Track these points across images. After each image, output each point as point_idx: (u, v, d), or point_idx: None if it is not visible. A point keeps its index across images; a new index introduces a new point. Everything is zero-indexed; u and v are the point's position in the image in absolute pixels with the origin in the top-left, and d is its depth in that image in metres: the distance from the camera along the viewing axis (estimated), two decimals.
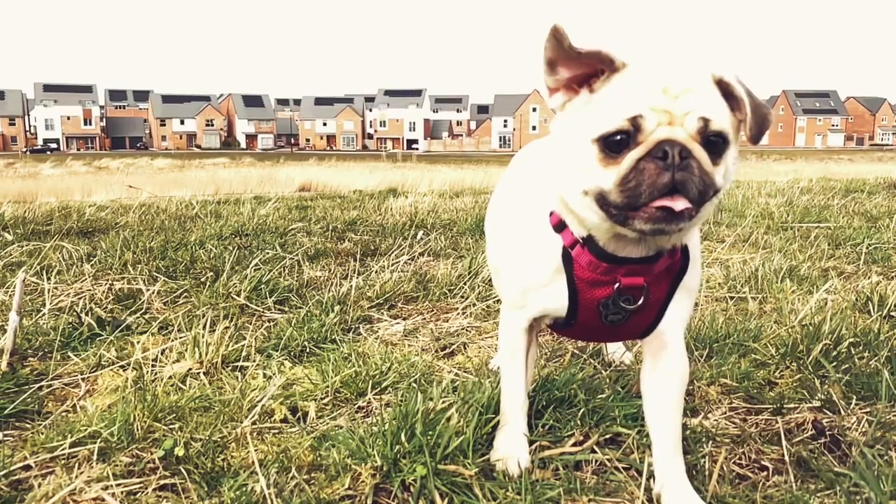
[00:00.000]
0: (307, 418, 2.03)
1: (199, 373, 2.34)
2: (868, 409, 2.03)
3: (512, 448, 1.73)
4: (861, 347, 2.41)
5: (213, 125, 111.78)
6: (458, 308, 3.15)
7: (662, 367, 1.62)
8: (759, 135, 1.35)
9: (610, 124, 1.31)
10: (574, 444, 1.81)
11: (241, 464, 1.75)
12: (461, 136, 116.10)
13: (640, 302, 1.53)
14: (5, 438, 1.89)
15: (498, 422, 1.81)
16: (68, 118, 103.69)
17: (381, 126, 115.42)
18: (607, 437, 1.86)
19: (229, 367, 2.41)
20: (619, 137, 1.31)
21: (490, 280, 3.31)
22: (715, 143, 1.32)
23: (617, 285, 1.51)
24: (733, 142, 1.37)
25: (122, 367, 2.40)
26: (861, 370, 2.26)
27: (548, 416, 1.93)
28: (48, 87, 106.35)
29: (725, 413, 2.05)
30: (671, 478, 1.58)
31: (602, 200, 1.35)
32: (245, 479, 1.65)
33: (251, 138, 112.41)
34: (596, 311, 1.56)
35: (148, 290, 3.17)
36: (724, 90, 1.37)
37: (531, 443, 1.79)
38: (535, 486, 1.61)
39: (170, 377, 2.28)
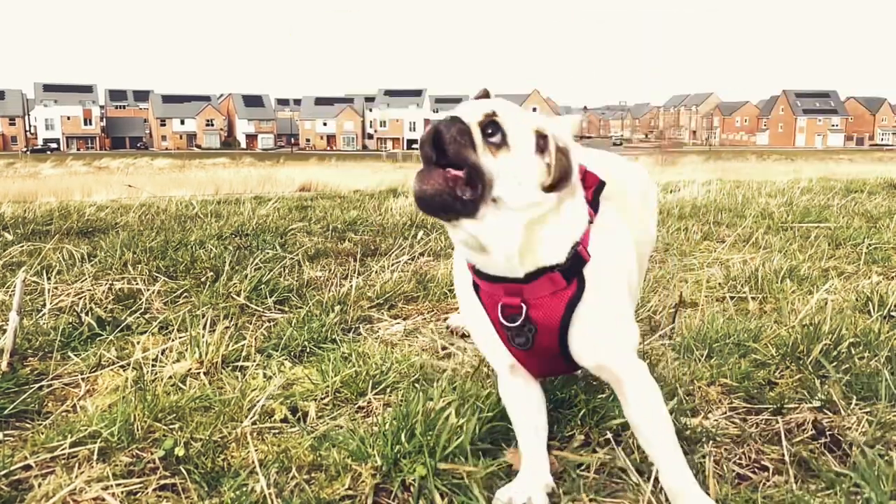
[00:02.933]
0: (307, 418, 2.03)
1: (199, 373, 2.34)
2: (868, 409, 2.03)
3: (523, 495, 1.63)
4: (861, 347, 2.41)
5: (213, 125, 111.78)
6: (457, 308, 3.14)
7: (628, 406, 1.59)
8: (557, 181, 1.40)
9: None
10: (580, 447, 1.81)
11: (241, 464, 1.75)
12: None
13: (520, 322, 1.50)
14: (5, 438, 1.89)
15: (497, 420, 1.80)
16: (68, 118, 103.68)
17: (381, 126, 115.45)
18: (607, 436, 1.86)
19: (229, 367, 2.41)
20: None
21: None
22: (493, 135, 1.38)
23: (500, 304, 1.51)
24: (522, 154, 1.40)
25: (122, 367, 2.40)
26: (861, 370, 2.25)
27: (549, 416, 1.92)
28: (48, 87, 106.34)
29: (725, 413, 2.05)
30: (679, 487, 1.54)
31: None
32: (245, 479, 1.65)
33: (251, 138, 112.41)
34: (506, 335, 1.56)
35: (148, 290, 3.17)
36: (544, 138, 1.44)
37: None
38: None
39: (170, 377, 2.28)
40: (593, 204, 1.57)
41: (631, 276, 1.67)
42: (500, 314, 1.52)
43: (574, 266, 1.49)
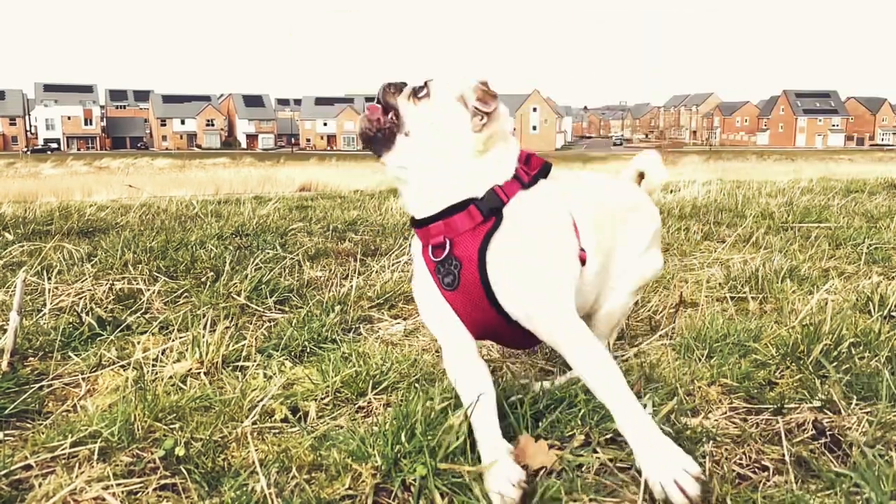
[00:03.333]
0: (307, 418, 2.03)
1: (199, 373, 2.35)
2: (868, 410, 2.03)
3: (500, 473, 1.59)
4: (861, 347, 2.41)
5: (213, 125, 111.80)
6: None
7: (572, 364, 1.73)
8: (479, 99, 1.72)
9: None
10: (580, 446, 1.80)
11: (241, 464, 1.75)
12: None
13: (444, 255, 1.71)
14: (6, 438, 1.89)
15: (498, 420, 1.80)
16: (69, 118, 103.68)
17: None
18: (607, 436, 1.86)
19: (229, 367, 2.41)
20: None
21: None
22: (420, 91, 1.74)
23: (429, 244, 1.75)
24: (441, 104, 1.74)
25: (122, 366, 2.40)
26: (861, 370, 2.25)
27: (549, 416, 1.93)
28: (49, 87, 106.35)
29: (725, 413, 2.05)
30: (637, 433, 1.59)
31: None
32: (245, 479, 1.65)
33: (252, 138, 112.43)
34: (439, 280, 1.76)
35: (148, 290, 3.17)
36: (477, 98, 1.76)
37: (538, 438, 1.79)
38: (536, 486, 1.61)
39: (170, 377, 2.28)
40: (533, 181, 1.78)
41: (566, 248, 1.80)
42: (430, 255, 1.75)
43: (493, 205, 1.71)
